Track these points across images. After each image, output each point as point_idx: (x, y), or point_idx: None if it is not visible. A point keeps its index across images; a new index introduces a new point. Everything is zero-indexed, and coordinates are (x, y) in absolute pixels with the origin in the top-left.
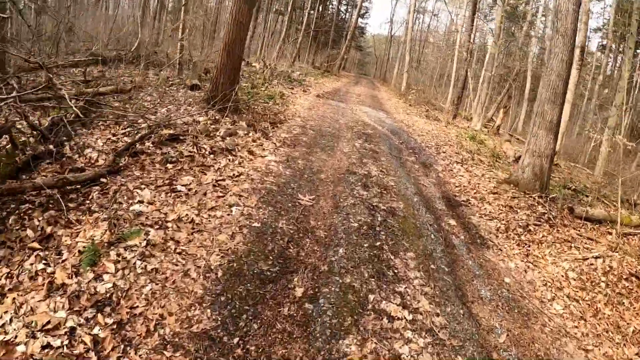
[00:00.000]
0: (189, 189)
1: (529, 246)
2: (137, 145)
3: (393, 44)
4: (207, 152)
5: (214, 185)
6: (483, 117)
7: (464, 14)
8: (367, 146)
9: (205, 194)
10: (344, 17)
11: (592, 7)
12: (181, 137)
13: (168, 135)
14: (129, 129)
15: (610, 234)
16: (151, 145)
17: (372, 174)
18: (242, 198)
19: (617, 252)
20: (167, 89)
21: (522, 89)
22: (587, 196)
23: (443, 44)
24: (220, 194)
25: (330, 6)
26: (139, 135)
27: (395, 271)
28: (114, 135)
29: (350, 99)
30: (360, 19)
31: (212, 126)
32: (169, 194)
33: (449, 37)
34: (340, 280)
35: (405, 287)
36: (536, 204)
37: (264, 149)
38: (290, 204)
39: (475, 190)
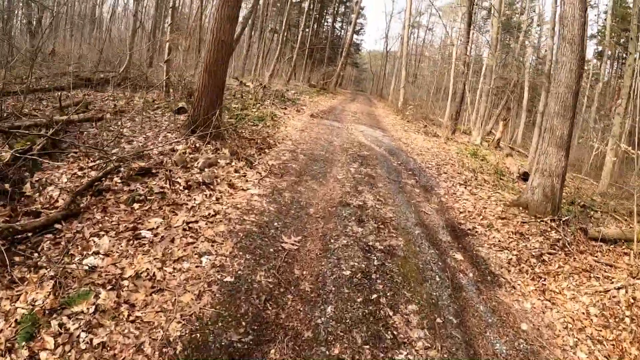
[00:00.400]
0: (155, 234)
1: (545, 279)
2: (103, 182)
3: (389, 60)
4: (181, 188)
5: (185, 229)
6: (482, 130)
7: (459, 27)
8: (363, 170)
9: (172, 241)
10: (339, 34)
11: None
12: (153, 171)
13: (138, 168)
14: (98, 162)
15: (627, 254)
16: (119, 180)
17: (368, 205)
18: (215, 244)
19: (638, 278)
20: (151, 112)
21: (520, 100)
22: (596, 211)
23: (439, 57)
24: (191, 240)
25: (325, 23)
26: (104, 170)
27: (395, 333)
28: (80, 169)
29: (345, 117)
30: (355, 36)
31: (191, 156)
32: (131, 242)
33: (444, 50)
34: (327, 352)
35: (407, 354)
36: (549, 229)
37: (247, 181)
38: (271, 249)
39: (481, 216)
